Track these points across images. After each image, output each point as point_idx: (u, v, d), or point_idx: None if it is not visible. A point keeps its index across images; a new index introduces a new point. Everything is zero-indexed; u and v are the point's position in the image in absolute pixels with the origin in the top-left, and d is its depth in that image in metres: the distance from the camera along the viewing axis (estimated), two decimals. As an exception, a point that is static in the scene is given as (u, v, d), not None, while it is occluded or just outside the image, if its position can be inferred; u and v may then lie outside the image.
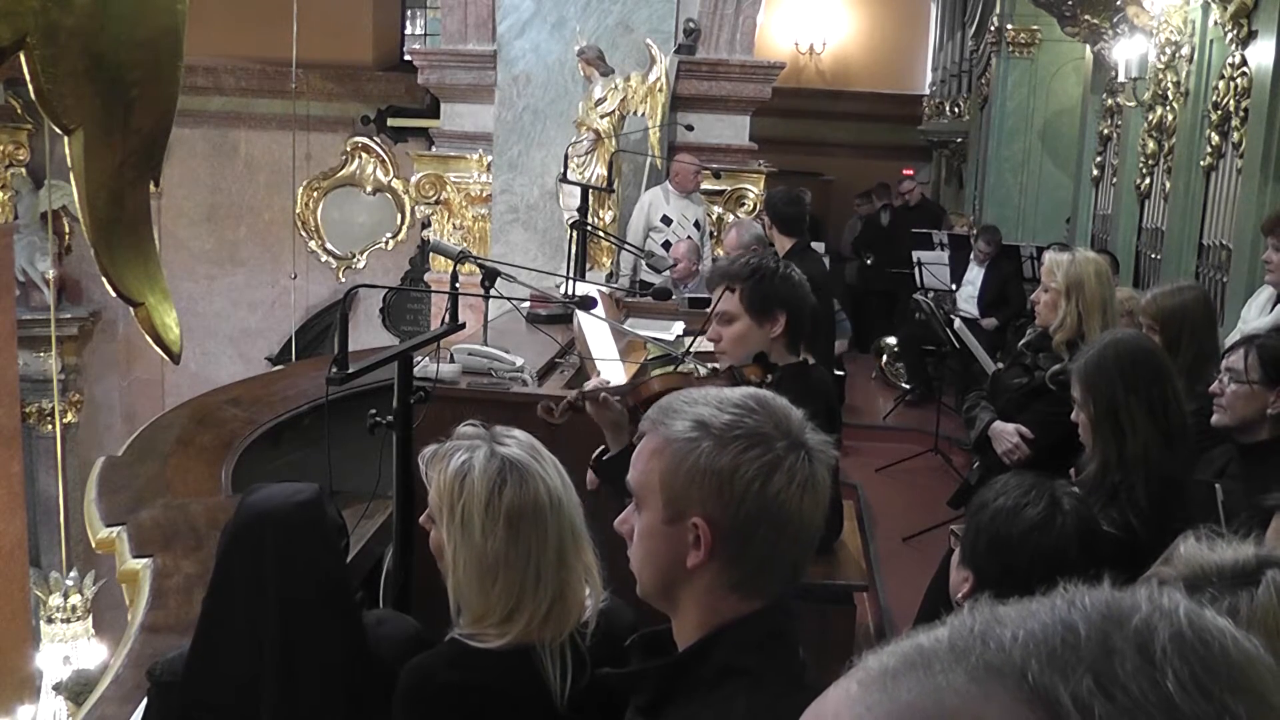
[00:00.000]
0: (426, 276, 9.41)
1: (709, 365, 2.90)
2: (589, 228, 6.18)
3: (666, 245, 5.89)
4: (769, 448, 1.30)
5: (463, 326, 3.12)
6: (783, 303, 2.90)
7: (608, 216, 7.00)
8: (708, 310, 3.09)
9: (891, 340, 9.16)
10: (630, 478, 1.39)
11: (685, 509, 1.32)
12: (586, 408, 2.56)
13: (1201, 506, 2.50)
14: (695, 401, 1.36)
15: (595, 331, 3.75)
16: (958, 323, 6.13)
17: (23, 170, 9.50)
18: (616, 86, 7.07)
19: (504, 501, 1.85)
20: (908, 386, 8.48)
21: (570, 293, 4.47)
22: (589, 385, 2.67)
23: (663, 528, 1.34)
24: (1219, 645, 0.48)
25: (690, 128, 7.27)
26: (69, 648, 5.93)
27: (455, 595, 1.90)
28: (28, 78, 2.12)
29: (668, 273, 5.70)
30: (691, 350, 2.99)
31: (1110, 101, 8.69)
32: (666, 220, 6.00)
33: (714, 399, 1.35)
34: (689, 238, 6.69)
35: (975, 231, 8.80)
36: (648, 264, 5.89)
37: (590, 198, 6.56)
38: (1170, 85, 6.84)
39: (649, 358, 3.63)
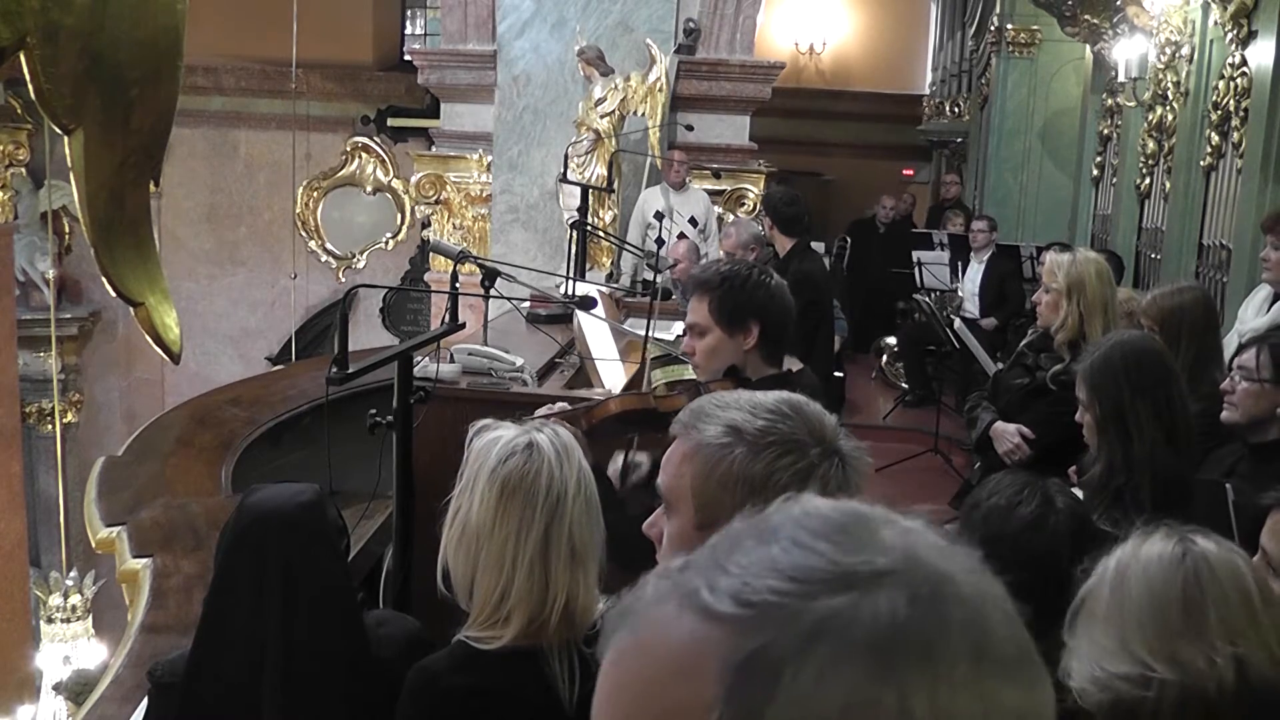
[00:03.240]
0: (426, 276, 9.41)
1: (673, 383, 2.70)
2: (589, 228, 6.18)
3: (659, 241, 5.89)
4: (803, 455, 1.29)
5: (463, 326, 3.12)
6: (756, 312, 2.60)
7: (608, 216, 7.01)
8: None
9: (891, 340, 9.15)
10: (661, 482, 1.39)
11: (717, 515, 1.30)
12: None
13: (1211, 506, 2.50)
14: (728, 406, 1.34)
15: (595, 331, 3.75)
16: (958, 323, 6.13)
17: (23, 170, 9.48)
18: (616, 86, 7.07)
19: (504, 470, 1.85)
20: (906, 387, 8.47)
21: (570, 293, 4.47)
22: (541, 411, 2.43)
23: (694, 533, 1.33)
24: (821, 515, 0.64)
25: (690, 128, 7.27)
26: (69, 648, 5.92)
27: (442, 554, 1.90)
28: (28, 78, 2.12)
29: (668, 272, 5.70)
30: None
31: (1110, 101, 8.69)
32: (659, 215, 6.00)
33: (747, 403, 1.34)
34: (682, 235, 6.68)
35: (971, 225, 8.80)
36: (648, 264, 5.88)
37: (590, 198, 6.56)
38: (1170, 85, 6.84)
39: (649, 357, 3.62)
